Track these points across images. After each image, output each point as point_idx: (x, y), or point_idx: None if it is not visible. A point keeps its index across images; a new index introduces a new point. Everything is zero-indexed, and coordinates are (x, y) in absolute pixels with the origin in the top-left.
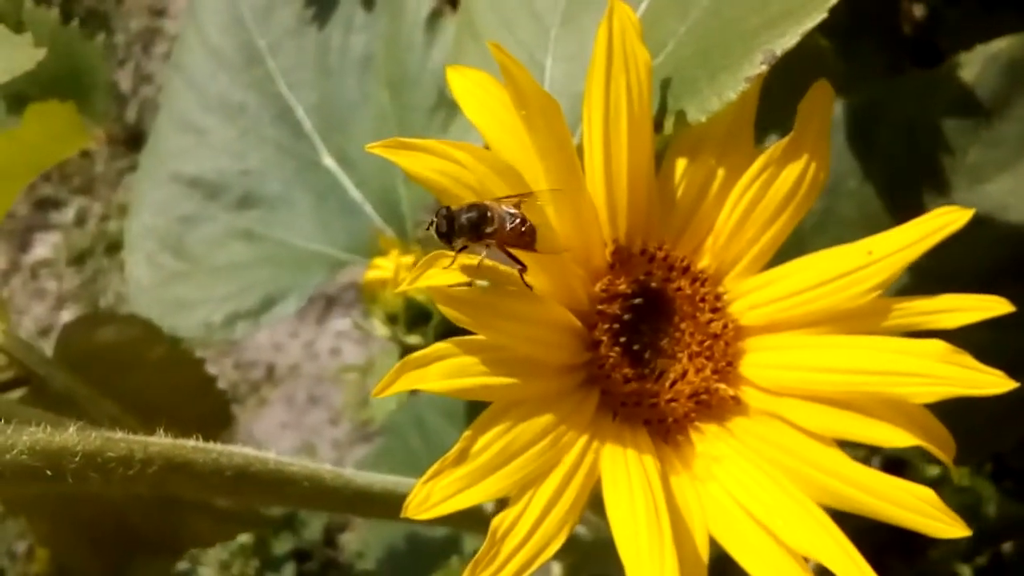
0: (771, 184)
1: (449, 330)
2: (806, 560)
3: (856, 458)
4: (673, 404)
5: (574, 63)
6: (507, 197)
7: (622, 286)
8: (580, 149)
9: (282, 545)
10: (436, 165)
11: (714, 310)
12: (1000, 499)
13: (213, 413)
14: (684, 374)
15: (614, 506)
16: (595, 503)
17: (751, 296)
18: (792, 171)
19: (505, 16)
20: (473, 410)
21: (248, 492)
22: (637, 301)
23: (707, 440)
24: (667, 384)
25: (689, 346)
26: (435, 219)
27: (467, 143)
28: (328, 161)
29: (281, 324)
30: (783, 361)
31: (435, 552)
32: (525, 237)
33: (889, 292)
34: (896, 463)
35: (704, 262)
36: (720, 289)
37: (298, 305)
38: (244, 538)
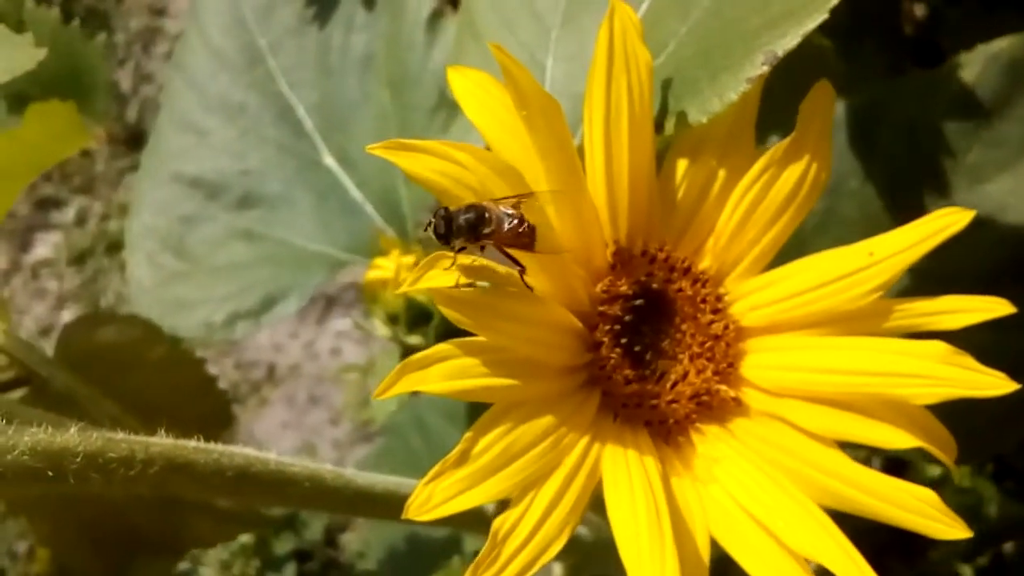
0: (772, 185)
1: (450, 331)
2: (807, 561)
3: (857, 459)
4: (674, 405)
5: (575, 63)
6: (506, 198)
7: (623, 287)
8: (581, 150)
9: (283, 545)
10: (437, 166)
11: (715, 311)
12: (1001, 500)
13: (214, 413)
14: (685, 375)
15: (615, 507)
16: (596, 504)
17: (752, 297)
18: (793, 172)
19: (506, 16)
20: (474, 411)
21: (249, 493)
22: (638, 302)
23: (708, 441)
24: (668, 385)
25: (690, 347)
26: (433, 220)
27: (468, 144)
28: (329, 161)
29: (282, 324)
30: (784, 362)
31: (436, 552)
32: (523, 238)
33: (890, 293)
34: (897, 464)
35: (705, 263)
36: (721, 290)
37: (299, 305)
38: (245, 538)
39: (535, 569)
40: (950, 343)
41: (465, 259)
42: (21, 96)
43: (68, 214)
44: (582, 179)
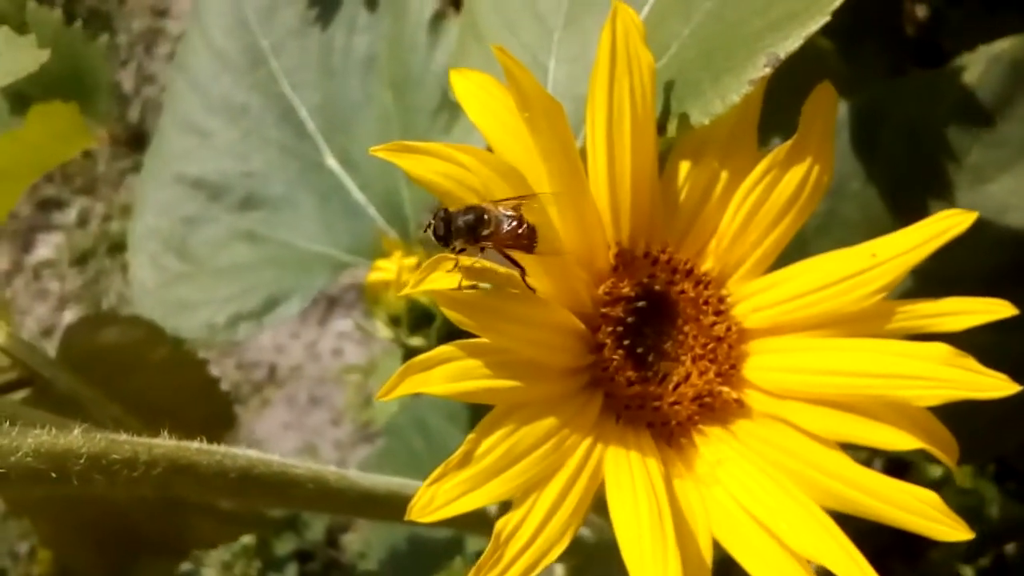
0: (775, 187)
1: (452, 332)
2: (809, 563)
3: (858, 460)
4: (676, 407)
5: (577, 65)
6: (506, 199)
7: (625, 289)
8: (583, 152)
9: (284, 546)
10: (440, 168)
11: (717, 313)
12: (1003, 501)
13: (216, 414)
14: (687, 377)
15: (618, 509)
16: (598, 505)
17: (754, 299)
18: (796, 174)
19: (508, 18)
20: (475, 412)
21: (252, 494)
22: (641, 304)
23: (710, 443)
24: (670, 387)
25: (692, 349)
26: (432, 221)
27: (471, 146)
28: (331, 162)
29: (283, 325)
30: (786, 364)
31: (438, 553)
32: (523, 239)
33: (893, 295)
34: (899, 464)
35: (707, 265)
36: (723, 292)
37: (301, 306)
38: (246, 539)
39: (538, 571)
40: (952, 345)
41: (467, 261)
42: (23, 97)
43: (70, 215)
44: (584, 181)
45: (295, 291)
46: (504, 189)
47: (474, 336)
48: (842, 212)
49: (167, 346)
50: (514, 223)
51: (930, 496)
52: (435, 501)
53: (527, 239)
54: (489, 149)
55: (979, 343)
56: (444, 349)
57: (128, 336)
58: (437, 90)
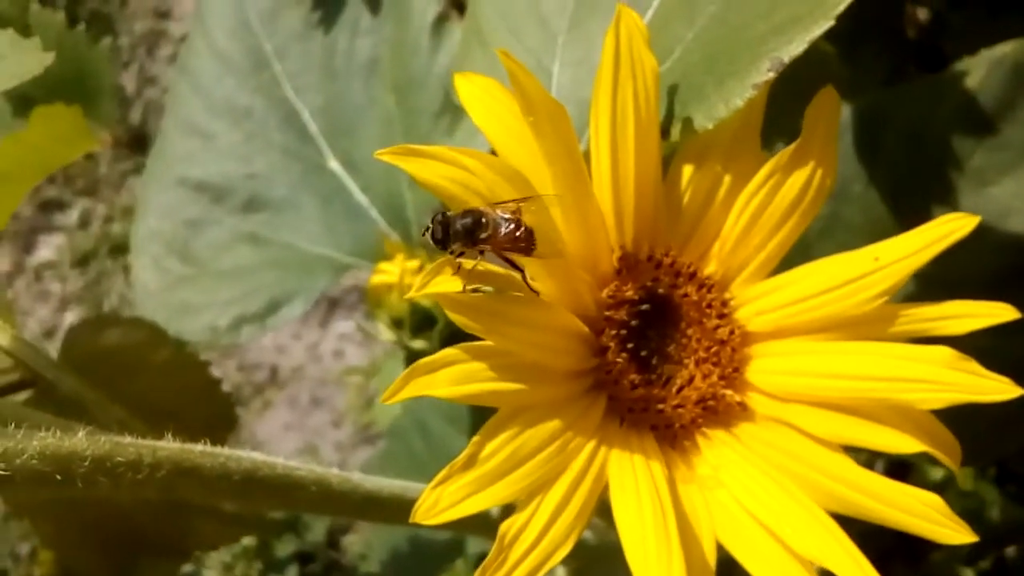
0: (778, 190)
1: (454, 335)
2: (812, 565)
3: (859, 461)
4: (680, 410)
5: (581, 69)
6: (506, 202)
7: (629, 292)
8: (587, 155)
9: (285, 547)
10: (445, 172)
11: (721, 316)
12: (1003, 503)
13: (217, 415)
14: (691, 380)
15: (622, 511)
16: (601, 508)
17: (758, 302)
18: (799, 177)
19: (512, 22)
20: (477, 415)
21: (256, 496)
22: (644, 307)
23: (714, 446)
24: (674, 390)
25: (696, 352)
26: (431, 225)
27: (476, 150)
28: (334, 165)
29: (284, 326)
30: (790, 367)
31: (439, 555)
32: (520, 242)
33: (895, 298)
34: (900, 466)
35: (711, 268)
36: (727, 295)
37: (304, 309)
38: (247, 540)
39: (542, 573)
40: (954, 348)
41: (470, 264)
42: (26, 99)
43: (71, 216)
44: (588, 185)
45: (297, 293)
46: (510, 193)
47: (476, 338)
48: (845, 215)
49: (169, 348)
50: (512, 226)
51: (933, 499)
52: (440, 503)
53: (525, 242)
54: (493, 152)
55: (981, 346)
56: (449, 352)
57: (130, 338)
58: (440, 93)
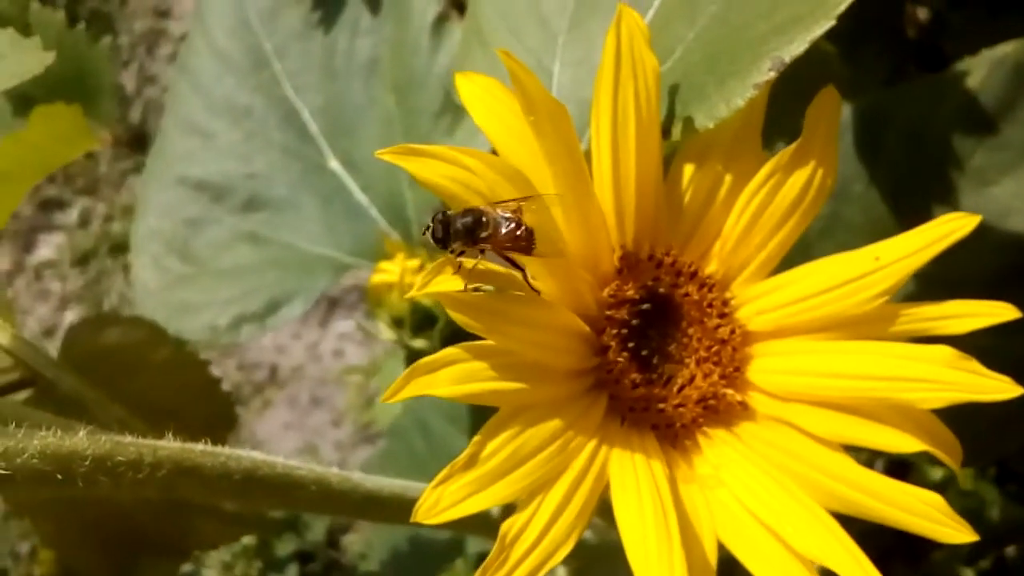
0: (778, 190)
1: (455, 334)
2: (813, 564)
3: (859, 461)
4: (681, 409)
5: (582, 69)
6: (506, 202)
7: (630, 291)
8: (588, 155)
9: (285, 547)
10: (446, 171)
11: (722, 315)
12: (1003, 503)
13: (217, 415)
14: (692, 379)
15: (623, 511)
16: (602, 508)
17: (758, 301)
18: (799, 177)
19: (513, 22)
20: (477, 414)
21: (256, 496)
22: (645, 306)
23: (715, 445)
24: (675, 389)
25: (697, 351)
26: (431, 224)
27: (477, 149)
28: (334, 164)
29: (284, 326)
30: (790, 366)
31: (439, 554)
32: (521, 241)
33: (896, 298)
34: (900, 466)
35: (711, 267)
36: (727, 294)
37: (304, 308)
38: (247, 539)
39: (543, 572)
40: (955, 347)
41: (471, 263)
42: (26, 98)
43: (71, 215)
44: (589, 184)
45: (298, 293)
46: (509, 192)
47: (477, 338)
48: (845, 215)
49: (169, 347)
50: (512, 225)
51: (934, 498)
52: (441, 503)
53: (526, 241)
54: (494, 152)
55: (982, 346)
56: (450, 351)
57: (130, 337)
58: (440, 92)
